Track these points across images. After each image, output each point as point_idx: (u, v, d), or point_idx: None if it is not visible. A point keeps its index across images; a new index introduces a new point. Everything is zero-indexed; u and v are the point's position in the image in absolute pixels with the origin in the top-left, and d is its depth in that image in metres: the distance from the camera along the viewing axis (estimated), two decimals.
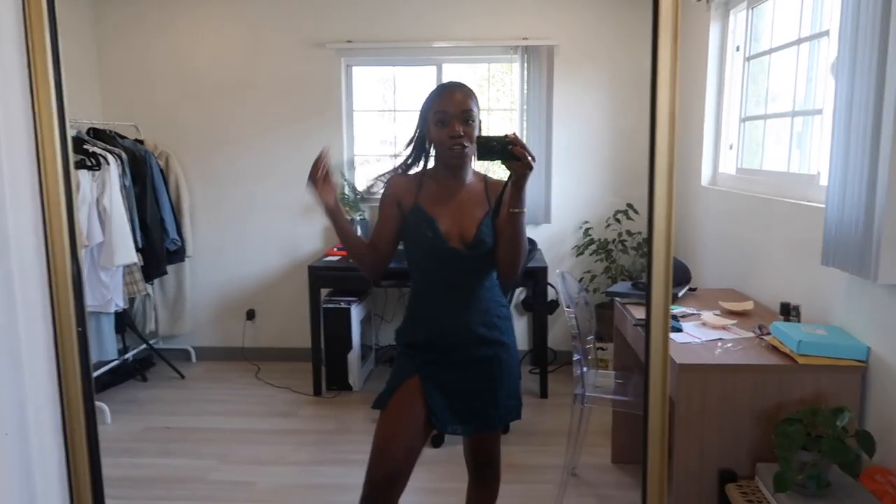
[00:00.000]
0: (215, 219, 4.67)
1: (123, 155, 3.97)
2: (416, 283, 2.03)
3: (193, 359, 4.75)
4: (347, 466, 3.18)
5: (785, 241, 2.75)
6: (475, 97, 1.92)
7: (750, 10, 3.38)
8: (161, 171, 4.31)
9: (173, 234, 4.27)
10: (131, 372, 4.37)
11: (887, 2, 1.87)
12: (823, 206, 2.24)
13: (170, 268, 4.39)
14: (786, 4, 3.04)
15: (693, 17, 3.84)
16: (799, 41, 2.87)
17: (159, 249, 4.15)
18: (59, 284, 1.32)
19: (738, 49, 3.53)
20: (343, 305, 4.08)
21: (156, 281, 4.45)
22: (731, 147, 3.63)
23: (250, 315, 4.74)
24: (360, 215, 4.42)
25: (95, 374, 3.96)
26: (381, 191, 2.04)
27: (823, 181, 2.52)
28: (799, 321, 2.48)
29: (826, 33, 2.65)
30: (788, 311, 2.50)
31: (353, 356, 4.11)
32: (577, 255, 4.50)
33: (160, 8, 4.49)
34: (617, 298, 3.01)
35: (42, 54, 1.35)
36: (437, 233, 1.91)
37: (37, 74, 1.36)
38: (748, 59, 3.46)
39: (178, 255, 4.40)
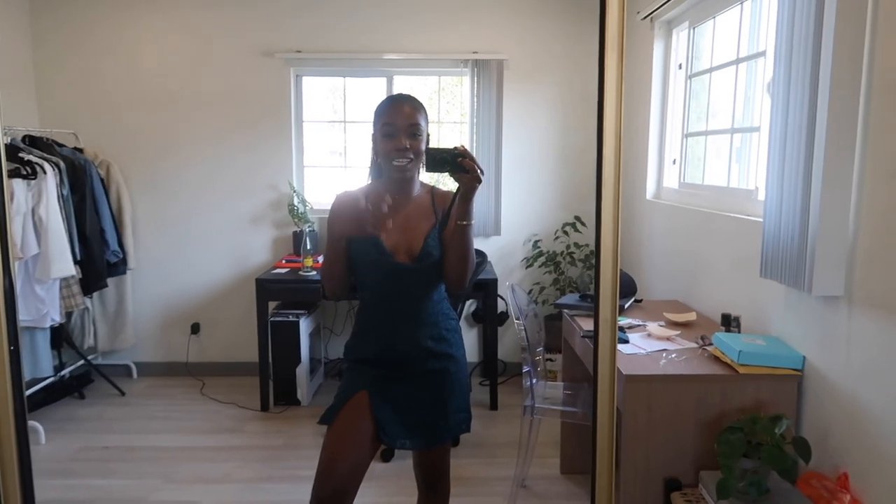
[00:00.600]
0: (159, 230, 4.54)
1: (61, 163, 3.83)
2: (364, 298, 2.01)
3: (135, 374, 4.59)
4: (295, 483, 3.12)
5: (726, 253, 2.83)
6: (424, 110, 1.92)
7: (691, 30, 3.50)
8: (102, 180, 4.17)
9: (114, 245, 4.14)
10: (68, 389, 4.19)
11: (819, 25, 1.96)
12: (762, 220, 2.33)
13: (110, 280, 4.25)
14: (725, 25, 3.16)
15: (638, 35, 3.95)
16: (737, 61, 2.98)
17: (99, 261, 4.01)
18: None
19: (680, 67, 3.64)
20: (291, 318, 4.02)
21: (95, 294, 4.29)
22: (674, 162, 3.73)
23: (195, 329, 4.61)
24: (309, 227, 4.36)
25: (29, 392, 3.79)
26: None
27: (762, 196, 2.61)
28: (739, 332, 2.56)
29: (763, 53, 2.76)
30: (729, 322, 2.57)
31: (302, 370, 4.05)
32: (527, 268, 4.55)
33: (102, 12, 4.36)
34: (565, 310, 3.05)
35: None
36: (381, 250, 1.90)
37: None
38: (690, 76, 3.57)
39: (120, 267, 4.26)
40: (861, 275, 1.93)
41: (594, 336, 1.20)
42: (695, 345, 2.48)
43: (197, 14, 4.37)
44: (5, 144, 3.39)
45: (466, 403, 2.09)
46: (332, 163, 4.72)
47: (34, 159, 3.65)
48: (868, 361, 1.90)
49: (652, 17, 3.68)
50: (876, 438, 1.86)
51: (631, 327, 2.72)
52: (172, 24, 4.39)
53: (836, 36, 1.89)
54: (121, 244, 4.24)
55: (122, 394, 4.26)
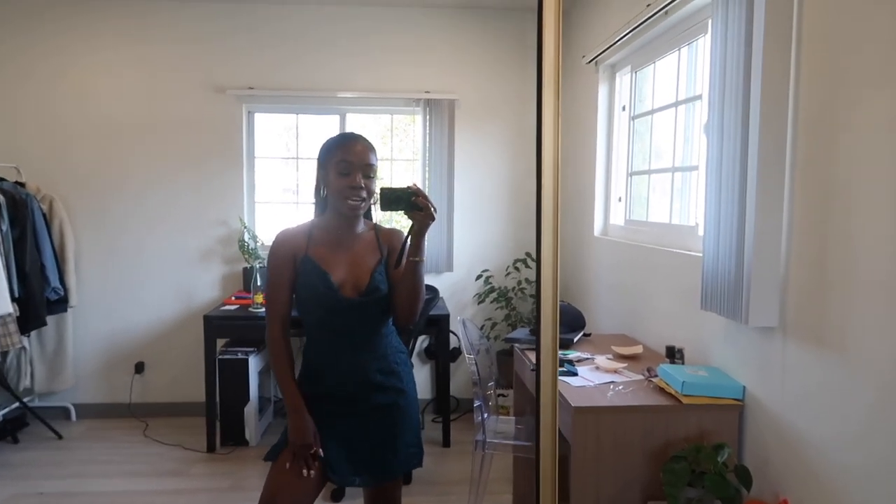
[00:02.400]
0: (104, 266, 4.43)
1: (1, 198, 3.72)
2: (311, 334, 2.00)
3: (73, 417, 4.41)
4: None
5: (669, 287, 2.92)
6: (376, 152, 1.96)
7: (634, 74, 3.65)
8: (44, 215, 4.06)
9: (55, 282, 4.01)
10: (0, 433, 3.99)
11: (748, 70, 2.09)
12: (702, 254, 2.42)
13: (50, 318, 4.11)
14: (665, 69, 3.31)
15: (583, 78, 4.10)
16: (677, 103, 3.12)
17: (38, 299, 3.88)
18: None
19: (624, 109, 3.78)
20: (240, 356, 3.94)
21: (33, 333, 4.14)
22: (619, 199, 3.85)
23: (139, 368, 4.48)
24: (259, 263, 4.32)
25: None
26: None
27: (701, 232, 2.71)
28: (683, 363, 2.63)
29: (699, 97, 2.90)
30: (673, 354, 2.64)
31: (251, 409, 3.96)
32: (479, 303, 4.58)
33: (46, 45, 4.30)
34: (516, 345, 3.08)
35: None
36: (329, 285, 1.91)
37: None
38: (633, 118, 3.71)
39: (60, 304, 4.12)
40: (793, 305, 2.02)
41: (536, 361, 1.22)
42: (641, 377, 2.53)
43: (147, 48, 4.36)
44: None
45: (418, 438, 2.08)
46: (285, 199, 4.71)
47: None
48: (802, 390, 1.98)
49: (596, 62, 3.83)
50: (813, 465, 1.92)
51: (580, 360, 2.76)
52: (121, 59, 4.35)
53: (763, 80, 2.01)
54: (62, 281, 4.11)
55: (60, 437, 4.08)
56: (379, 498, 2.08)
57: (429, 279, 4.32)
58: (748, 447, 2.25)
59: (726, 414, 2.25)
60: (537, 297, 1.08)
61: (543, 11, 1.05)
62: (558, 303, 1.11)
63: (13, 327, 3.73)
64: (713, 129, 2.29)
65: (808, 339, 1.94)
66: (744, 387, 2.27)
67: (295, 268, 1.95)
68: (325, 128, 4.67)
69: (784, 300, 2.06)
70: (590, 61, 3.86)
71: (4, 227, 3.71)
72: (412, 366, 2.15)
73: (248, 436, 3.96)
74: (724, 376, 2.35)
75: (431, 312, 3.80)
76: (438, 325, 3.98)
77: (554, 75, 1.00)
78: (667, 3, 2.81)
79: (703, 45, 2.86)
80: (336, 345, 1.96)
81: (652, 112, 3.43)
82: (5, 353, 3.93)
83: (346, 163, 1.88)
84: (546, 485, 1.13)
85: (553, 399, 1.08)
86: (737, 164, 2.14)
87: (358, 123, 4.67)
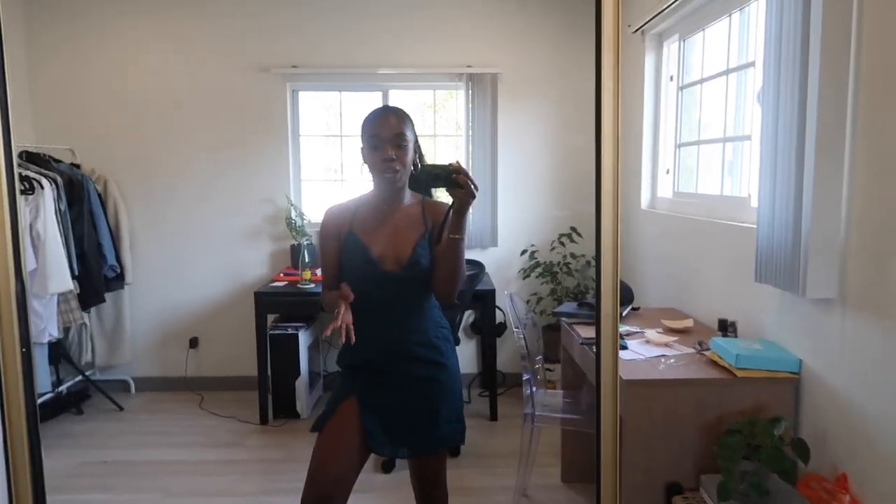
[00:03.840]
0: (156, 245, 4.56)
1: (59, 179, 3.85)
2: (354, 306, 2.02)
3: (133, 390, 4.58)
4: (295, 496, 3.07)
5: (720, 260, 2.87)
6: (410, 120, 1.94)
7: (681, 42, 3.56)
8: (99, 195, 4.19)
9: (112, 260, 4.15)
10: (65, 405, 4.18)
11: (806, 35, 2.02)
12: (755, 226, 2.37)
13: (108, 295, 4.26)
14: (714, 37, 3.22)
15: (629, 47, 4.01)
16: (727, 71, 3.03)
17: (97, 276, 4.02)
18: (2, 303, 1.28)
19: (671, 79, 3.70)
20: (290, 332, 4.03)
21: (93, 309, 4.30)
22: (667, 172, 3.78)
23: (193, 343, 4.61)
24: (307, 240, 4.39)
25: None
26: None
27: (754, 203, 2.65)
28: (736, 336, 2.59)
29: (752, 64, 2.82)
30: (726, 327, 2.60)
31: (301, 383, 4.05)
32: (524, 278, 4.57)
33: (96, 28, 4.40)
34: (563, 318, 3.08)
35: None
36: (370, 259, 1.93)
37: None
38: (681, 88, 3.63)
39: (117, 282, 4.27)
40: (853, 276, 1.97)
41: (595, 331, 1.21)
42: (692, 350, 2.51)
43: (193, 30, 4.42)
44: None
45: (459, 413, 2.08)
46: (329, 177, 4.76)
47: (32, 175, 3.67)
48: (863, 362, 1.93)
49: (643, 31, 3.75)
50: (874, 439, 1.88)
51: (629, 334, 2.75)
52: (169, 41, 4.43)
53: (822, 43, 1.94)
54: (118, 259, 4.25)
55: (121, 409, 4.25)
56: (422, 470, 2.10)
57: (474, 254, 4.33)
58: (805, 421, 2.22)
59: (782, 387, 2.21)
60: (597, 266, 1.07)
61: None
62: (619, 273, 1.11)
63: (74, 304, 3.89)
64: (768, 96, 2.22)
65: (870, 310, 1.89)
66: (800, 360, 2.23)
67: (340, 243, 1.98)
68: (367, 105, 4.69)
69: (844, 271, 2.01)
70: (636, 31, 3.78)
71: (63, 208, 3.84)
72: (456, 341, 2.16)
73: (299, 409, 4.07)
74: (779, 349, 2.31)
75: (477, 288, 3.81)
76: (484, 301, 4.00)
77: (613, 47, 0.99)
78: None
79: (756, 10, 2.77)
80: (376, 317, 1.97)
81: (701, 81, 3.35)
82: (68, 329, 4.10)
83: (375, 137, 1.88)
84: (607, 461, 1.14)
85: (614, 367, 1.08)
86: (794, 132, 2.08)
87: (400, 99, 4.66)
